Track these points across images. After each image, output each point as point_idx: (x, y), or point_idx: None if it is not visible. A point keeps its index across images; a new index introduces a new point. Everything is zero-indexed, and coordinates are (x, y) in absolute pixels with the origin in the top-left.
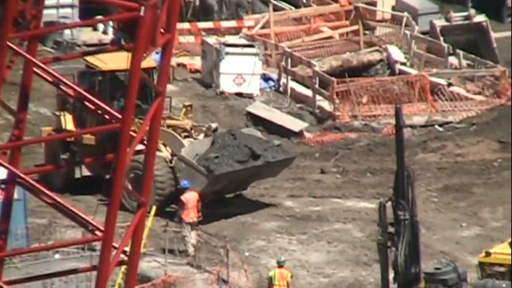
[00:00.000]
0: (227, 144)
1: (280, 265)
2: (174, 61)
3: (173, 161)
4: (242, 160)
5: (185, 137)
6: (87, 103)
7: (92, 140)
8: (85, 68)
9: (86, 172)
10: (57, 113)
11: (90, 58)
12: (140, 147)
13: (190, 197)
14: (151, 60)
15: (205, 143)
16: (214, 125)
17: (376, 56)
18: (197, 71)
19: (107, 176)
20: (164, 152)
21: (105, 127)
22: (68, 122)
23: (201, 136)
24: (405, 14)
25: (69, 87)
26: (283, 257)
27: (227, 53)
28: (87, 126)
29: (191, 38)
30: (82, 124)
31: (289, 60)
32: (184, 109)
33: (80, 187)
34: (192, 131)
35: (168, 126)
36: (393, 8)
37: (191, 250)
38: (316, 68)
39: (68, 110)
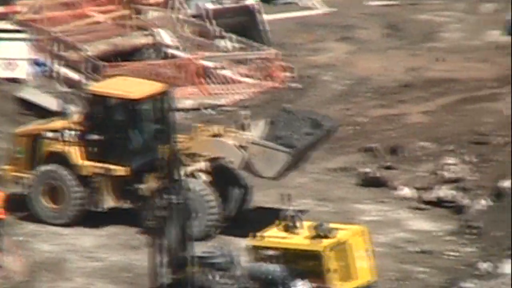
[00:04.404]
0: (290, 120)
1: None
2: None
3: (223, 164)
4: (310, 132)
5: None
6: None
7: (125, 171)
8: (90, 97)
9: (110, 204)
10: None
11: (102, 88)
12: None
13: None
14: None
15: (262, 126)
16: (244, 112)
17: (147, 39)
18: None
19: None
20: (201, 163)
21: None
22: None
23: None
24: None
25: None
26: None
27: None
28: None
29: None
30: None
31: (60, 45)
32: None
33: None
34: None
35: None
36: None
37: None
38: (88, 52)
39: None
